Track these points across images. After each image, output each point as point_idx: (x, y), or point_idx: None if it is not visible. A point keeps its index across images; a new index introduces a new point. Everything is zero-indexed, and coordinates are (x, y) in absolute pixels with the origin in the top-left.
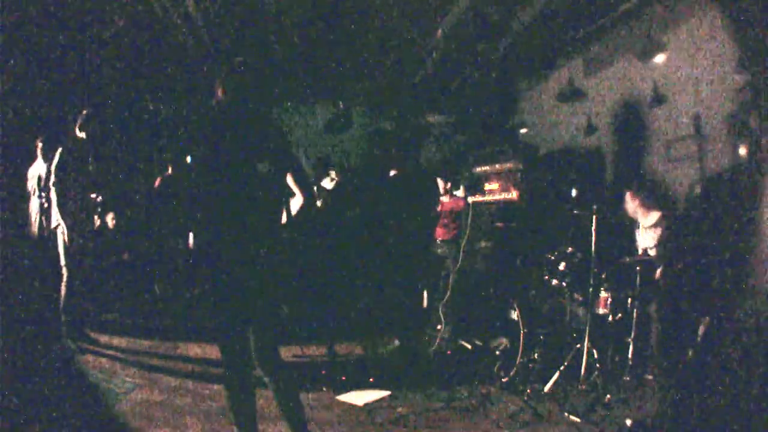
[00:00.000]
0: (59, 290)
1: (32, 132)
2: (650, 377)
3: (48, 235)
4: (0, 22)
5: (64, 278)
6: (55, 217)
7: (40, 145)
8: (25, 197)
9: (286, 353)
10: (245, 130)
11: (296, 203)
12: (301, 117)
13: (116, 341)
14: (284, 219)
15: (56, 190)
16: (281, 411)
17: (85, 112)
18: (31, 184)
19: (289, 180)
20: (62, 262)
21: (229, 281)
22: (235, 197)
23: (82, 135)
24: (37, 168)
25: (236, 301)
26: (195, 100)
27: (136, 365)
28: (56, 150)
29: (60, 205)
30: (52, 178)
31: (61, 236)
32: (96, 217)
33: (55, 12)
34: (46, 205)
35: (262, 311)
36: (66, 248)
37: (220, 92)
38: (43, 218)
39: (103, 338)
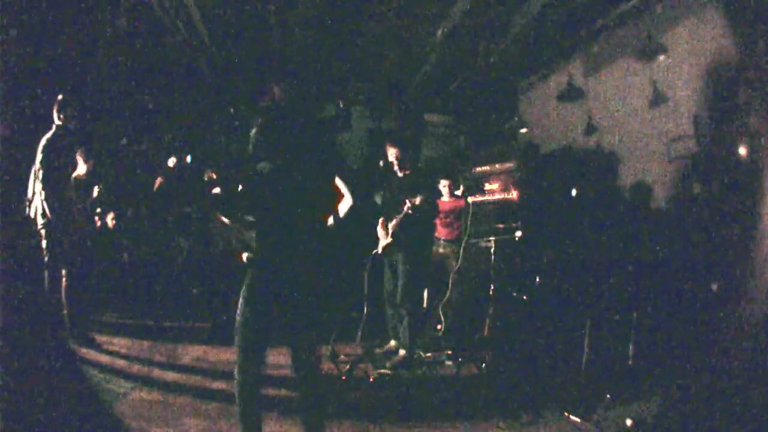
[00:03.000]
0: (56, 289)
1: (32, 132)
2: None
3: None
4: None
5: (65, 278)
6: (40, 211)
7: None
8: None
9: (279, 354)
10: (298, 131)
11: (344, 205)
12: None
13: (116, 341)
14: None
15: (42, 183)
16: (304, 413)
17: (60, 96)
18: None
19: (338, 182)
20: (57, 260)
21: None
22: (287, 196)
23: (59, 122)
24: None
25: (285, 301)
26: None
27: (135, 365)
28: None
29: (47, 200)
30: (38, 172)
31: (46, 234)
32: (96, 217)
33: (55, 12)
34: (34, 199)
35: (308, 311)
36: (49, 246)
37: (276, 93)
38: (34, 213)
39: (103, 338)
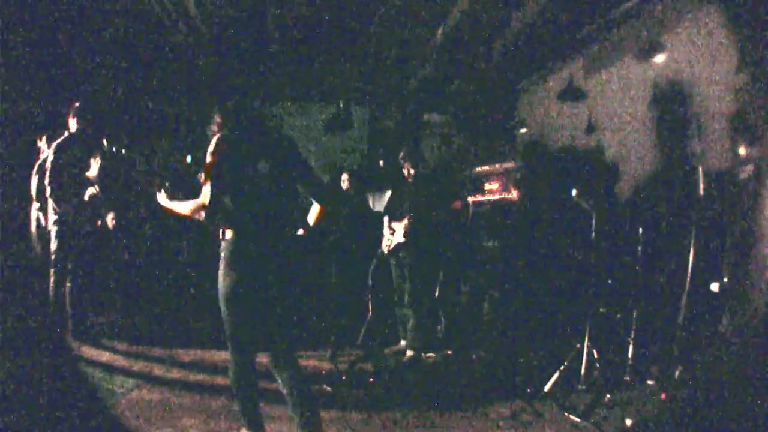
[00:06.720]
0: (61, 289)
1: (33, 132)
2: (651, 382)
3: (47, 233)
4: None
5: (68, 278)
6: (51, 215)
7: (43, 142)
8: (28, 196)
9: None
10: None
11: (313, 213)
12: (301, 117)
13: (116, 342)
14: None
15: (52, 187)
16: (294, 414)
17: (77, 104)
18: (34, 181)
19: (302, 188)
20: (65, 261)
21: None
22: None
23: (74, 129)
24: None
25: (261, 303)
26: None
27: (136, 365)
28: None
29: (57, 203)
30: (48, 175)
31: (56, 235)
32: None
33: (55, 11)
34: (43, 202)
35: (282, 312)
36: (59, 247)
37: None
38: (41, 216)
39: (103, 339)
